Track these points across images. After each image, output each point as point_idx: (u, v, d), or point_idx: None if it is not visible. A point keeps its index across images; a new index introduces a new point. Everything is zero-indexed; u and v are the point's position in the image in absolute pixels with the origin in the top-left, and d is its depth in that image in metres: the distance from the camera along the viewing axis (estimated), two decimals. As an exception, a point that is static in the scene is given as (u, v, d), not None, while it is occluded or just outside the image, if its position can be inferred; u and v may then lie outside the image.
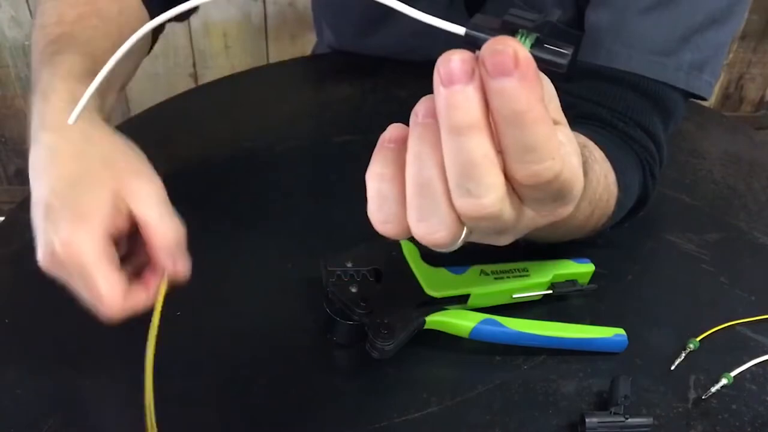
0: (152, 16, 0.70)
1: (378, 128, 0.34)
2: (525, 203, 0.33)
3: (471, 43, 0.29)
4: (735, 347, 0.59)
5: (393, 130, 0.33)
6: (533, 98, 0.28)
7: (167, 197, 0.50)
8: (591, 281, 0.61)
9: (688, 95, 0.66)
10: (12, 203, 1.67)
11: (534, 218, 0.34)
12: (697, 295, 0.63)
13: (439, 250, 0.34)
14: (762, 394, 0.55)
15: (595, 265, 0.60)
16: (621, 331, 0.57)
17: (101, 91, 0.58)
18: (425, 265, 0.56)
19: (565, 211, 0.34)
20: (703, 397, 0.54)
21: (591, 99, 0.64)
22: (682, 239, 0.69)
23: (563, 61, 0.28)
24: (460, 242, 0.34)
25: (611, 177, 0.57)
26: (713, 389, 0.55)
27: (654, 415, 0.52)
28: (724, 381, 0.55)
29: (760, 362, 0.57)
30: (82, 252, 0.45)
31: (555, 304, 0.60)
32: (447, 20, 0.30)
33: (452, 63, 0.28)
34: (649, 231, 0.69)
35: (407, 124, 0.33)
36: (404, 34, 0.86)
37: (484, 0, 0.77)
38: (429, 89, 0.30)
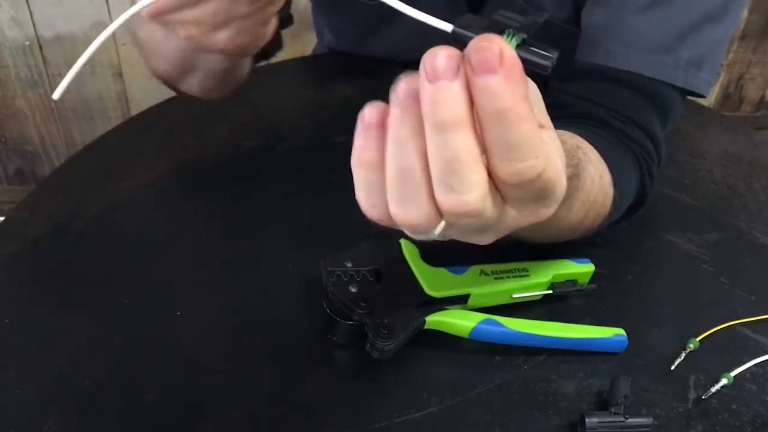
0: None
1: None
2: (507, 202, 0.33)
3: (458, 41, 0.29)
4: (735, 347, 0.59)
5: (374, 112, 0.32)
6: (517, 96, 0.28)
7: None
8: (591, 281, 0.61)
9: (687, 93, 0.66)
10: (12, 203, 1.67)
11: (516, 218, 0.34)
12: (697, 295, 0.63)
13: (416, 236, 0.34)
14: (762, 394, 0.55)
15: (595, 265, 0.60)
16: (621, 331, 0.57)
17: None
18: (425, 265, 0.56)
19: (547, 212, 0.34)
20: (703, 397, 0.54)
21: (588, 98, 0.64)
22: (682, 239, 0.69)
23: (547, 63, 0.29)
24: (437, 231, 0.34)
25: (607, 178, 0.57)
26: (713, 389, 0.55)
27: (654, 415, 0.52)
28: (724, 381, 0.55)
29: (760, 362, 0.57)
30: None
31: (555, 304, 0.60)
32: (446, 20, 0.30)
33: (438, 59, 0.28)
34: (649, 231, 0.69)
35: None
36: (404, 36, 0.86)
37: (485, 0, 0.77)
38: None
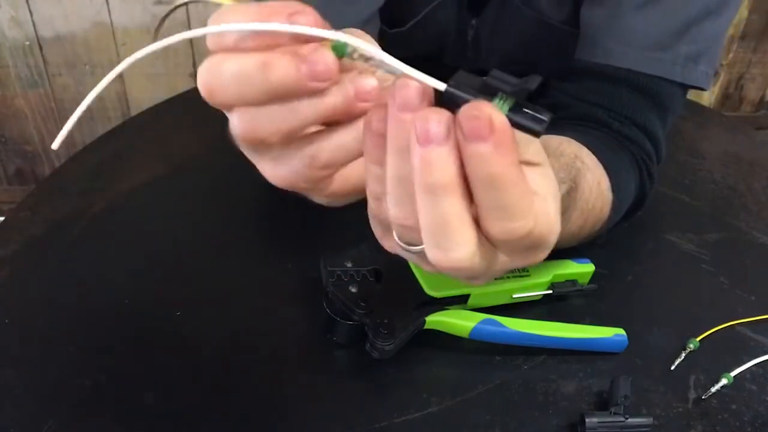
0: None
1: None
2: (499, 250, 0.33)
3: (450, 100, 0.30)
4: (735, 347, 0.59)
5: (379, 122, 0.32)
6: (508, 163, 0.29)
7: None
8: (591, 281, 0.61)
9: (686, 87, 0.66)
10: (12, 203, 1.67)
11: (507, 263, 0.34)
12: (697, 295, 0.63)
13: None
14: (762, 394, 0.55)
15: (595, 265, 0.60)
16: (621, 331, 0.57)
17: None
18: (425, 265, 0.56)
19: (539, 257, 0.35)
20: (703, 397, 0.54)
21: (587, 99, 0.64)
22: (682, 239, 0.69)
23: (539, 128, 0.29)
24: None
25: (605, 183, 0.57)
26: (713, 389, 0.55)
27: (654, 415, 0.52)
28: (724, 381, 0.55)
29: (760, 362, 0.57)
30: None
31: (555, 304, 0.60)
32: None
33: (430, 123, 0.28)
34: (649, 231, 0.69)
35: None
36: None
37: (486, 1, 0.77)
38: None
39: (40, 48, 1.52)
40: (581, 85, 0.65)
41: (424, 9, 0.76)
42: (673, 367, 0.56)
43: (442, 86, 0.30)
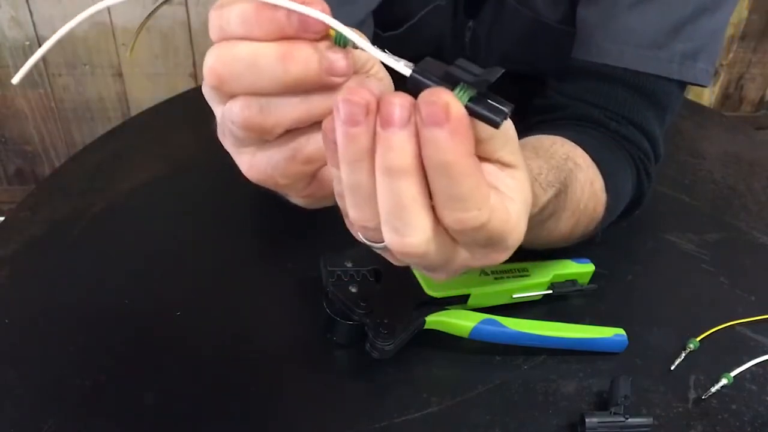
0: None
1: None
2: (459, 244, 0.33)
3: (414, 86, 0.30)
4: (735, 347, 0.59)
5: (332, 131, 0.32)
6: (462, 151, 0.29)
7: None
8: (591, 281, 0.61)
9: (684, 85, 0.66)
10: (12, 203, 1.67)
11: (468, 259, 0.34)
12: (697, 295, 0.63)
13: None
14: (762, 394, 0.55)
15: (595, 265, 0.60)
16: (621, 331, 0.57)
17: None
18: (425, 265, 0.56)
19: (500, 257, 0.35)
20: (703, 397, 0.54)
21: (583, 99, 0.64)
22: (682, 239, 0.69)
23: (498, 119, 0.29)
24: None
25: (598, 183, 0.57)
26: (713, 389, 0.55)
27: (654, 415, 0.52)
28: (724, 381, 0.55)
29: (760, 362, 0.57)
30: None
31: (555, 304, 0.60)
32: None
33: (393, 107, 0.29)
34: (649, 231, 0.69)
35: None
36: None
37: (484, 1, 0.77)
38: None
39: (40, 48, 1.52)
40: (578, 85, 0.65)
41: (419, 12, 0.76)
42: (673, 367, 0.56)
43: (407, 71, 0.30)
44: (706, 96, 1.75)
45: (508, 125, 0.33)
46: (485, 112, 0.29)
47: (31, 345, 0.56)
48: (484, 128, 0.30)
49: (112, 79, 1.55)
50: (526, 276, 0.58)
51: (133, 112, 1.56)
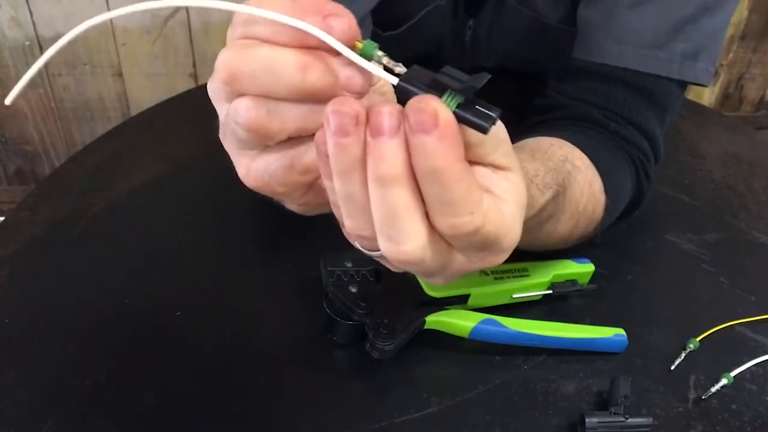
0: None
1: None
2: (455, 248, 0.33)
3: (402, 94, 0.30)
4: (735, 347, 0.59)
5: (323, 144, 0.32)
6: (451, 157, 0.29)
7: None
8: (591, 281, 0.61)
9: (684, 85, 0.66)
10: (12, 203, 1.67)
11: (465, 263, 0.34)
12: (697, 295, 0.63)
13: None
14: (762, 394, 0.55)
15: (595, 265, 0.60)
16: (621, 331, 0.57)
17: None
18: (425, 265, 0.56)
19: (497, 259, 0.35)
20: (703, 397, 0.54)
21: (583, 99, 0.64)
22: (682, 239, 0.69)
23: (486, 125, 0.29)
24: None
25: (597, 185, 0.57)
26: (713, 389, 0.55)
27: (654, 415, 0.52)
28: (724, 381, 0.55)
29: (760, 362, 0.57)
30: None
31: (555, 304, 0.60)
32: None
33: (382, 116, 0.29)
34: (649, 231, 0.69)
35: None
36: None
37: (484, 1, 0.77)
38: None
39: (40, 48, 1.52)
40: (578, 85, 0.65)
41: (419, 12, 0.76)
42: (673, 367, 0.56)
43: (394, 80, 0.30)
44: (706, 96, 1.75)
45: (499, 128, 0.33)
46: (473, 118, 0.30)
47: (31, 345, 0.56)
48: (474, 133, 0.30)
49: (112, 79, 1.55)
50: (526, 276, 0.58)
51: (133, 112, 1.56)
